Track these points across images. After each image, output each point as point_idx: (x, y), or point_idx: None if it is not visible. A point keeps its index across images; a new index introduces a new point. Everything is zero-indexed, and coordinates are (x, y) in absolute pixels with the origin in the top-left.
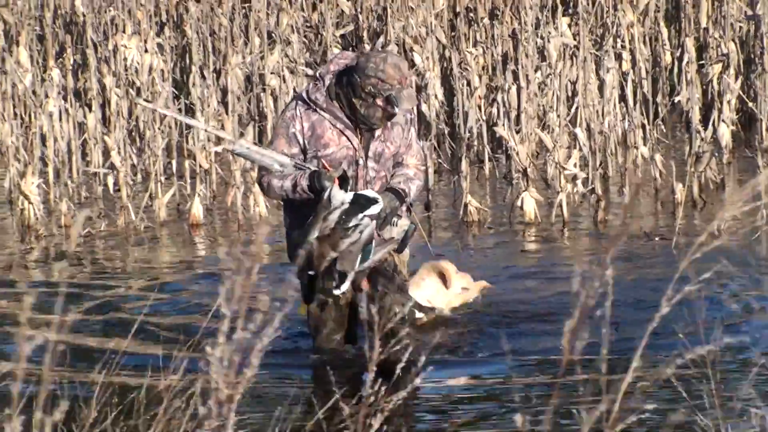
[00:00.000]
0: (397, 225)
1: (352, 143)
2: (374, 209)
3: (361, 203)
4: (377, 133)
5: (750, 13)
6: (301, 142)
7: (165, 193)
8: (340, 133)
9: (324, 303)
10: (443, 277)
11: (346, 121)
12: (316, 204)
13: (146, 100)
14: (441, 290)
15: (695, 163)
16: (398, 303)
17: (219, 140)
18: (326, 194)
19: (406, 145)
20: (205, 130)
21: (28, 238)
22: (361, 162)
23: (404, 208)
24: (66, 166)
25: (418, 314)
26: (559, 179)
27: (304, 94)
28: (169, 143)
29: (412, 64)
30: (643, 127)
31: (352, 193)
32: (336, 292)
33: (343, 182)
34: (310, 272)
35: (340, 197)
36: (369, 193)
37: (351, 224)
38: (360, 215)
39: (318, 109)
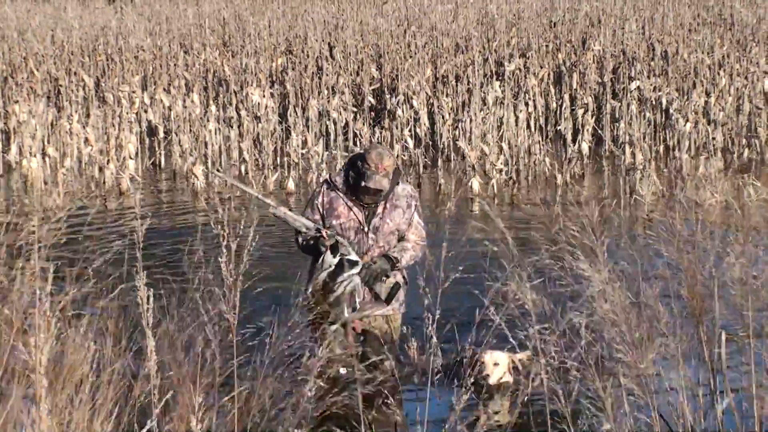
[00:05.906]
0: (384, 282)
1: (357, 217)
2: (355, 269)
3: (343, 265)
4: (378, 211)
5: (600, 80)
6: (321, 211)
7: (273, 174)
8: (349, 209)
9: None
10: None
11: (354, 200)
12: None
13: (218, 170)
14: (505, 374)
15: (568, 163)
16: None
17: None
18: (321, 257)
19: (407, 224)
20: (257, 197)
21: (195, 199)
22: (363, 231)
23: (395, 272)
24: (218, 158)
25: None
26: (492, 171)
27: (328, 176)
28: (275, 147)
29: (411, 107)
30: (539, 143)
31: (339, 257)
32: (331, 328)
33: (334, 249)
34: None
35: (329, 261)
36: (352, 256)
37: (337, 281)
38: (345, 275)
39: (336, 190)
